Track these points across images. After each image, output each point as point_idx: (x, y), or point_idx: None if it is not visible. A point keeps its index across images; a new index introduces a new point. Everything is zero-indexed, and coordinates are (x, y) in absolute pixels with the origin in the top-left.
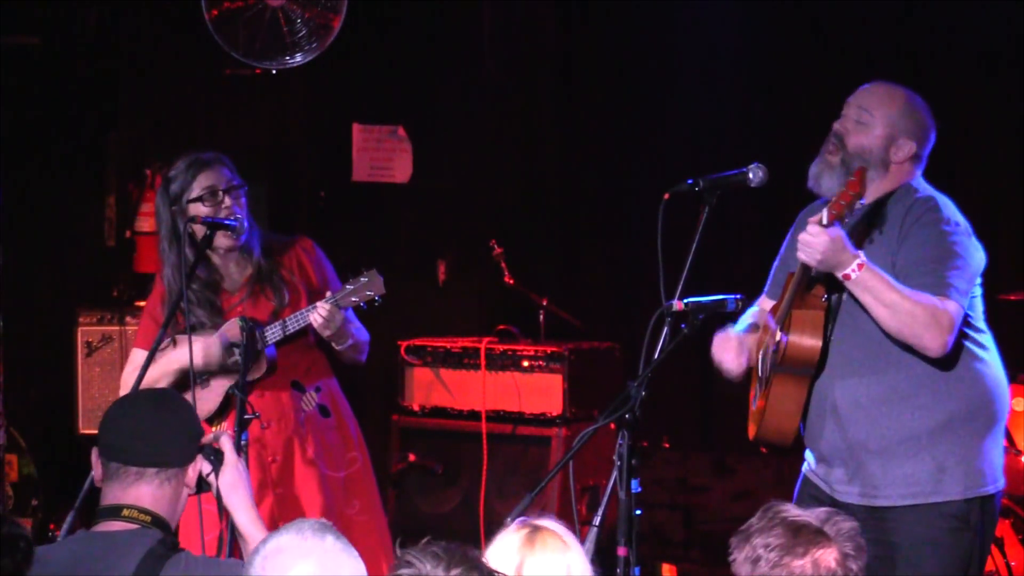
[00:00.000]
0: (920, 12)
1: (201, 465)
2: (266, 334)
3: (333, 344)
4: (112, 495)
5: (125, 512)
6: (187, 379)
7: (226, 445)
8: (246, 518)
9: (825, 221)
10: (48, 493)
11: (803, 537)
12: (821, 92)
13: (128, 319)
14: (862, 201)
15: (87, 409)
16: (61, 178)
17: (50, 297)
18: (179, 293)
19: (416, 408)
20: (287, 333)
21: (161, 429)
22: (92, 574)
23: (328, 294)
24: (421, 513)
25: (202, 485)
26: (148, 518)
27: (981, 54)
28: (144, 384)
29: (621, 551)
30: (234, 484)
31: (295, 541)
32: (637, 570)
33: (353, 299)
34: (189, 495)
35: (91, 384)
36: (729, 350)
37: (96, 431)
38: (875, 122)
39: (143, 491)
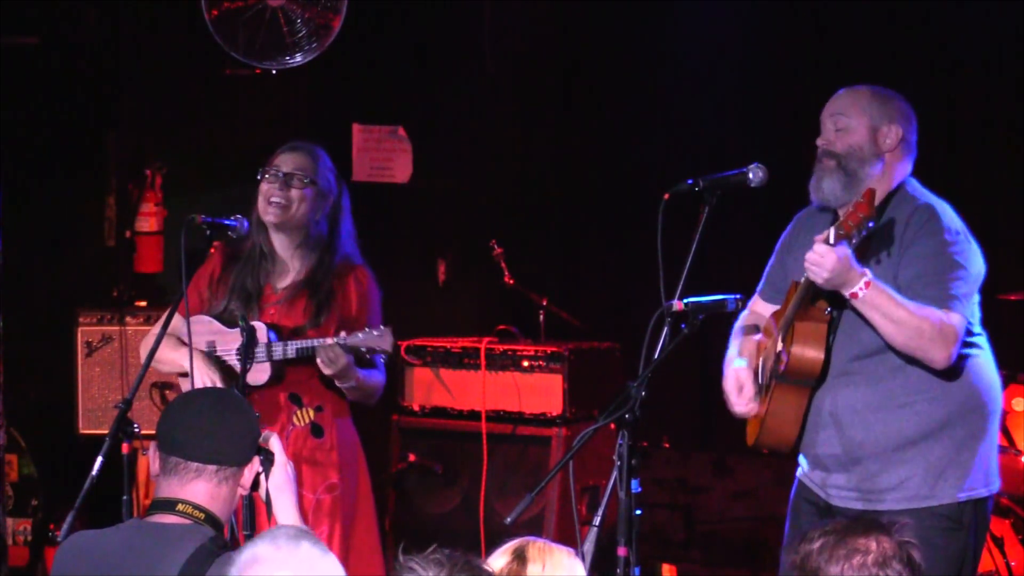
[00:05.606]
0: (921, 12)
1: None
2: (273, 349)
3: (336, 381)
4: (168, 489)
5: (180, 507)
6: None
7: (275, 446)
8: (291, 521)
9: (832, 240)
10: (48, 493)
11: (866, 523)
12: (821, 92)
13: (128, 319)
14: (871, 224)
15: (87, 409)
16: (61, 178)
17: (50, 297)
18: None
19: (416, 408)
20: (287, 356)
21: (225, 428)
22: (141, 564)
23: (342, 334)
24: (421, 513)
25: (254, 486)
26: (202, 515)
27: (981, 54)
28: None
29: (621, 551)
30: (281, 486)
31: (269, 551)
32: (637, 570)
33: (361, 348)
34: (242, 495)
35: (91, 384)
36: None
37: (96, 431)
38: (853, 121)
39: (200, 488)
